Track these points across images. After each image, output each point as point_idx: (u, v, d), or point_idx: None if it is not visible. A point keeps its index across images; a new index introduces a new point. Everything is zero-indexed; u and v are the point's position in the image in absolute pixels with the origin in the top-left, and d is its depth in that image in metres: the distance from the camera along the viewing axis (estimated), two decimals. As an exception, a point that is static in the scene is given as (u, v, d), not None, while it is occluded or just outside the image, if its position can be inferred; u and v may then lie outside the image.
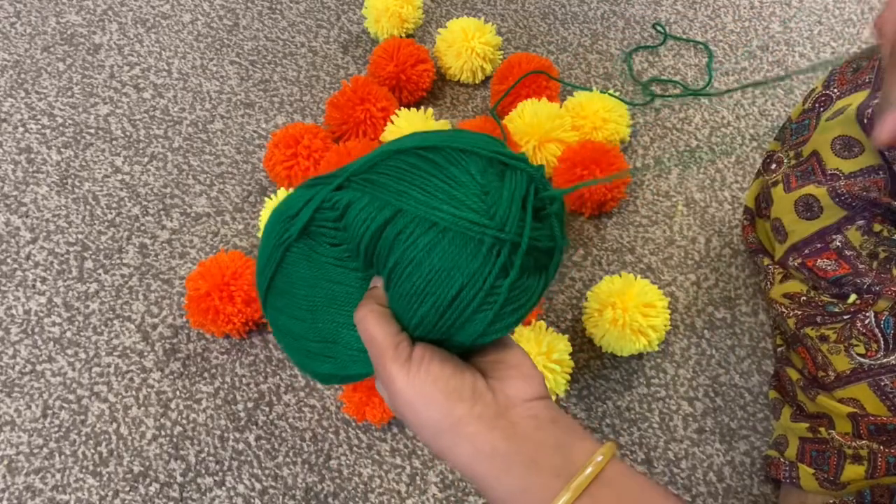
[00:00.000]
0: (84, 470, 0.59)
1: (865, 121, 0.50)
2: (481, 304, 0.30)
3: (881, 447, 0.51)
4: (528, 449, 0.30)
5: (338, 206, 0.32)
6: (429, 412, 0.30)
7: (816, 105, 0.59)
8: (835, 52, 0.87)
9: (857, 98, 0.53)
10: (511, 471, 0.30)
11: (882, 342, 0.52)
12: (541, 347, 0.58)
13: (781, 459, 0.57)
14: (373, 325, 0.32)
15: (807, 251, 0.57)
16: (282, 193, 0.66)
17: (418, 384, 0.31)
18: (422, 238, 0.30)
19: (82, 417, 0.61)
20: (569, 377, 0.60)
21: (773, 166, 0.64)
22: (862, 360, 0.53)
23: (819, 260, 0.56)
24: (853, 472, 0.52)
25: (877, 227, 0.53)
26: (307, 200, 0.32)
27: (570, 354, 0.61)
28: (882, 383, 0.52)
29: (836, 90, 0.58)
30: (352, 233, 0.32)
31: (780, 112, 0.81)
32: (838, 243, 0.55)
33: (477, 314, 0.31)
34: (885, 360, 0.52)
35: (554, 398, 0.61)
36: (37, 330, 0.65)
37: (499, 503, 0.30)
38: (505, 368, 0.33)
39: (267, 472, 0.59)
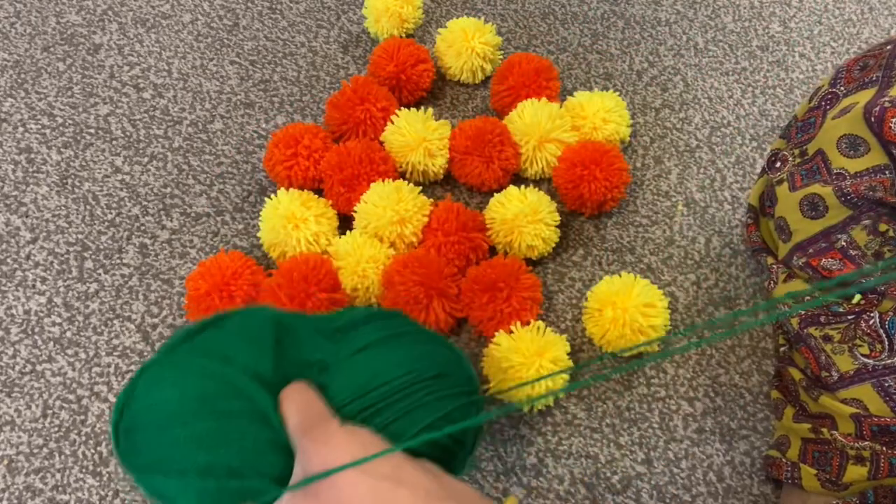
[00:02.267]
0: (84, 470, 0.59)
1: (873, 119, 0.50)
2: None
3: (884, 448, 0.51)
4: None
5: None
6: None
7: (822, 103, 0.59)
8: (834, 52, 0.87)
9: (864, 96, 0.52)
10: None
11: (886, 343, 0.52)
12: (537, 348, 0.59)
13: (783, 460, 0.57)
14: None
15: (811, 250, 0.57)
16: (282, 193, 0.66)
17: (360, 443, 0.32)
18: None
19: (82, 417, 0.61)
20: (568, 377, 0.60)
21: (778, 164, 0.64)
22: (866, 360, 0.53)
23: (824, 259, 0.56)
24: (856, 472, 0.52)
25: (882, 227, 0.53)
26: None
27: (570, 354, 0.61)
28: (886, 384, 0.52)
29: (842, 88, 0.57)
30: None
31: (781, 112, 0.81)
32: (843, 243, 0.55)
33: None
34: (889, 361, 0.52)
35: (553, 398, 0.61)
36: (37, 330, 0.65)
37: None
38: None
39: (267, 472, 0.59)
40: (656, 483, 0.60)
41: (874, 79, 0.53)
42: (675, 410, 0.63)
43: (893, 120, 0.49)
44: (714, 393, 0.64)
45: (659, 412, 0.63)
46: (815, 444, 0.55)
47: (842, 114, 0.54)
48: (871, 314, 0.53)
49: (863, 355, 0.53)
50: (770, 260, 0.64)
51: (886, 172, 0.51)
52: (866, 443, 0.52)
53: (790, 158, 0.61)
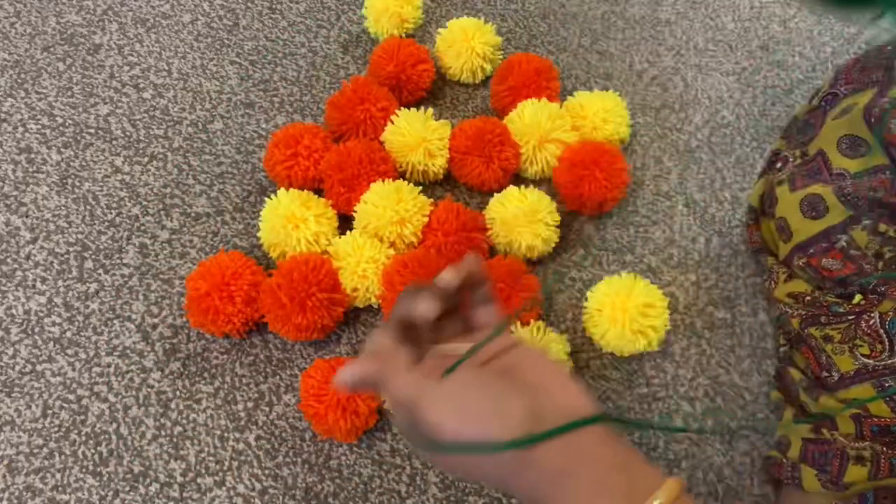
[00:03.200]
0: (84, 470, 0.59)
1: (872, 120, 0.50)
2: None
3: (884, 448, 0.51)
4: (595, 470, 0.29)
5: None
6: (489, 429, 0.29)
7: (823, 103, 0.59)
8: (834, 52, 0.87)
9: (864, 97, 0.52)
10: (578, 494, 0.28)
11: (887, 343, 0.52)
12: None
13: (784, 460, 0.57)
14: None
15: (812, 250, 0.57)
16: (282, 193, 0.66)
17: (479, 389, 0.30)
18: None
19: (82, 417, 0.61)
20: (569, 377, 0.60)
21: (779, 165, 0.64)
22: (866, 360, 0.53)
23: (824, 259, 0.56)
24: (856, 473, 0.52)
25: (882, 228, 0.53)
26: None
27: (570, 354, 0.61)
28: (886, 385, 0.52)
29: (842, 88, 0.57)
30: None
31: (781, 112, 0.81)
32: (843, 243, 0.55)
33: None
34: (889, 362, 0.52)
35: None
36: (37, 330, 0.65)
37: None
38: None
39: (267, 472, 0.59)
40: (656, 483, 0.60)
41: (874, 79, 0.53)
42: (674, 410, 0.63)
43: (894, 121, 0.49)
44: (714, 393, 0.64)
45: (659, 412, 0.63)
46: (816, 445, 0.55)
47: (842, 114, 0.54)
48: (872, 314, 0.53)
49: (863, 356, 0.53)
50: (770, 260, 0.64)
51: (886, 173, 0.51)
52: (866, 443, 0.52)
53: (791, 159, 0.61)
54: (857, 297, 0.55)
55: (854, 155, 0.53)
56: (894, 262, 0.54)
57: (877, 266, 0.54)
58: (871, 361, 0.53)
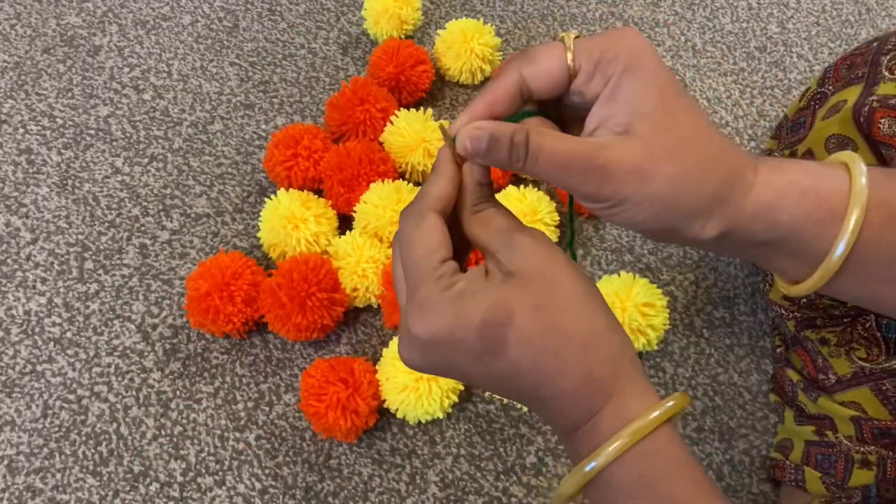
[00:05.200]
0: (84, 470, 0.59)
1: (861, 119, 0.50)
2: None
3: (890, 453, 0.51)
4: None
5: None
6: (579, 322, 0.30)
7: (812, 103, 0.59)
8: (832, 53, 0.87)
9: (851, 93, 0.52)
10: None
11: (883, 346, 0.52)
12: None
13: (787, 462, 0.57)
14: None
15: None
16: (282, 194, 0.66)
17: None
18: None
19: (82, 417, 0.61)
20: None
21: None
22: (863, 364, 0.53)
23: None
24: (862, 477, 0.52)
25: None
26: None
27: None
28: (884, 387, 0.51)
29: (830, 87, 0.57)
30: None
31: (779, 113, 0.81)
32: None
33: None
34: (886, 365, 0.52)
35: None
36: (37, 330, 0.65)
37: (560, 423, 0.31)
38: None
39: (267, 471, 0.59)
40: (656, 482, 0.60)
41: (860, 75, 0.53)
42: (674, 409, 0.63)
43: (882, 121, 0.49)
44: (713, 392, 0.64)
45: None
46: (819, 447, 0.55)
47: (831, 113, 0.54)
48: (868, 317, 0.53)
49: (860, 359, 0.53)
50: None
51: None
52: (872, 447, 0.51)
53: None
54: None
55: None
56: None
57: None
58: (867, 364, 0.52)
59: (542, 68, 0.31)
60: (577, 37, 0.31)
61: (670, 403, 0.29)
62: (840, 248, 0.30)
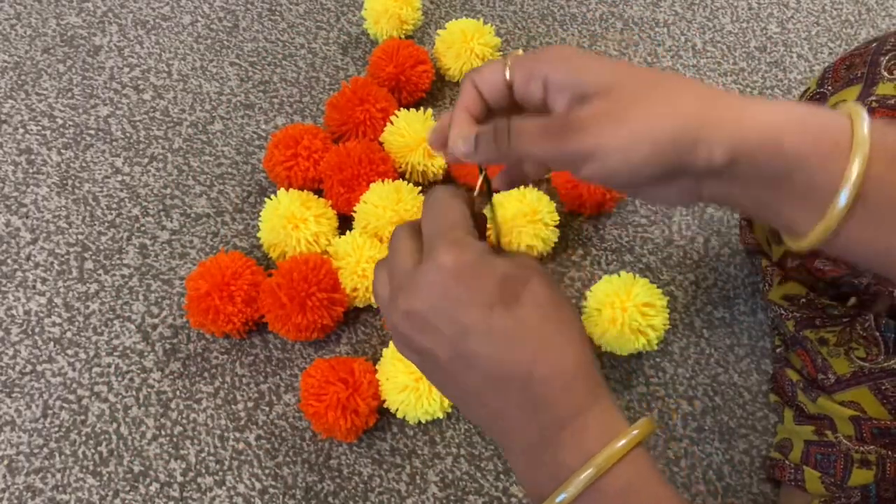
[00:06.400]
0: (84, 470, 0.59)
1: None
2: None
3: (889, 452, 0.51)
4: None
5: None
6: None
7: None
8: (832, 53, 0.87)
9: (850, 93, 0.52)
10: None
11: (882, 346, 0.52)
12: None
13: (786, 462, 0.57)
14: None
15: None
16: (281, 194, 0.66)
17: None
18: None
19: (82, 417, 0.61)
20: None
21: None
22: (862, 363, 0.53)
23: (817, 261, 0.56)
24: (862, 476, 0.52)
25: None
26: None
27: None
28: (883, 387, 0.51)
29: (829, 87, 0.57)
30: None
31: (779, 112, 0.81)
32: None
33: None
34: (885, 364, 0.52)
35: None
36: (37, 330, 0.65)
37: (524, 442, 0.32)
38: None
39: (267, 471, 0.59)
40: (656, 482, 0.60)
41: (859, 75, 0.53)
42: (674, 409, 0.63)
43: (881, 120, 0.49)
44: (713, 392, 0.64)
45: (658, 411, 0.63)
46: (819, 447, 0.55)
47: None
48: (867, 317, 0.53)
49: (859, 358, 0.53)
50: (765, 262, 0.64)
51: None
52: (871, 446, 0.51)
53: None
54: (852, 300, 0.55)
55: None
56: None
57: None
58: (867, 364, 0.52)
59: (486, 78, 0.34)
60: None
61: (636, 432, 0.30)
62: (847, 188, 0.28)
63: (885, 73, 0.51)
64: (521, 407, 0.31)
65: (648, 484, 0.30)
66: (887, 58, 0.51)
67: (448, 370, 0.32)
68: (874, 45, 0.53)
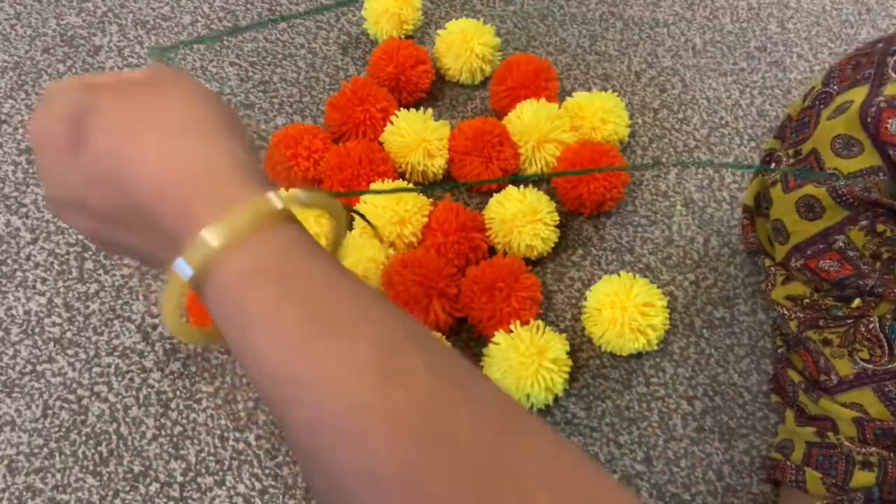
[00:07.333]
0: (84, 470, 0.59)
1: (869, 119, 0.50)
2: None
3: (891, 454, 0.51)
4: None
5: None
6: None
7: (816, 102, 0.59)
8: (832, 53, 0.87)
9: (857, 94, 0.52)
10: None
11: (887, 348, 0.52)
12: (537, 348, 0.59)
13: (787, 463, 0.57)
14: None
15: (809, 252, 0.57)
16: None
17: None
18: None
19: (82, 417, 0.61)
20: (567, 376, 0.60)
21: (773, 165, 0.64)
22: (866, 365, 0.53)
23: (822, 261, 0.56)
24: (863, 478, 0.52)
25: (880, 228, 0.53)
26: None
27: (569, 353, 0.61)
28: (886, 389, 0.51)
29: (835, 87, 0.57)
30: None
31: (778, 112, 0.81)
32: (841, 244, 0.55)
33: None
34: (889, 366, 0.51)
35: (553, 397, 0.61)
36: (37, 330, 0.65)
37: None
38: None
39: (267, 471, 0.59)
40: (656, 482, 0.60)
41: (866, 76, 0.53)
42: (674, 409, 0.63)
43: (890, 121, 0.49)
44: (713, 392, 0.64)
45: (658, 411, 0.63)
46: (820, 448, 0.54)
47: (836, 113, 0.54)
48: (871, 318, 0.53)
49: (863, 360, 0.53)
50: (767, 262, 0.64)
51: (880, 174, 0.51)
52: (873, 448, 0.51)
53: (784, 159, 0.61)
54: (856, 301, 0.55)
55: (847, 155, 0.53)
56: (892, 263, 0.54)
57: (874, 267, 0.54)
58: (870, 366, 0.52)
59: None
60: None
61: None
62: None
63: (893, 74, 0.51)
64: (148, 233, 0.32)
65: (295, 260, 0.29)
66: (895, 59, 0.51)
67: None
68: (881, 45, 0.54)
